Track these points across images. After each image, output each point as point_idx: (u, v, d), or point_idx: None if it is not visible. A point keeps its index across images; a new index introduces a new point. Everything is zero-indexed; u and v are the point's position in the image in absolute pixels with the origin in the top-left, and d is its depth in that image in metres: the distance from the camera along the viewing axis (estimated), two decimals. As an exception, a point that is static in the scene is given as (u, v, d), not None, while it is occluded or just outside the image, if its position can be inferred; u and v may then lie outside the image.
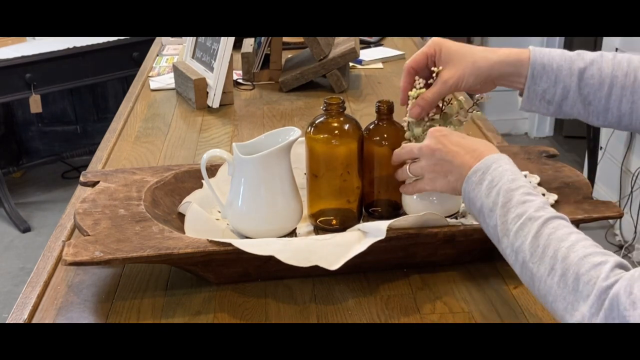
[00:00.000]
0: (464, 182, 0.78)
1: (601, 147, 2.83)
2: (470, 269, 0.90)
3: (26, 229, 2.90)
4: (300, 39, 1.89)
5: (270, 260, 0.80)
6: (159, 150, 1.30)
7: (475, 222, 0.91)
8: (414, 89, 0.90)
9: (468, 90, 0.90)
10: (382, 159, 0.93)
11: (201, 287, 0.87)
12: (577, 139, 3.45)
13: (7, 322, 0.81)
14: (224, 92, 1.50)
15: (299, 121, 1.43)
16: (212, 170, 1.03)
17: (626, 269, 0.62)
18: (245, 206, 0.90)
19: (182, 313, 0.83)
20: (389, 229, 0.83)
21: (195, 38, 1.66)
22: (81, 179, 1.01)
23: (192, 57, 1.65)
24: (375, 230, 0.84)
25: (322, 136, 0.92)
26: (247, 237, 0.90)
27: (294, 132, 0.90)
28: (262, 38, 1.71)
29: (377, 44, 1.99)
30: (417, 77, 0.90)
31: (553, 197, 0.94)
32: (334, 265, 0.81)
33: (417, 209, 0.91)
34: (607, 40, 2.75)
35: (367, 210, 0.98)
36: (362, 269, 0.89)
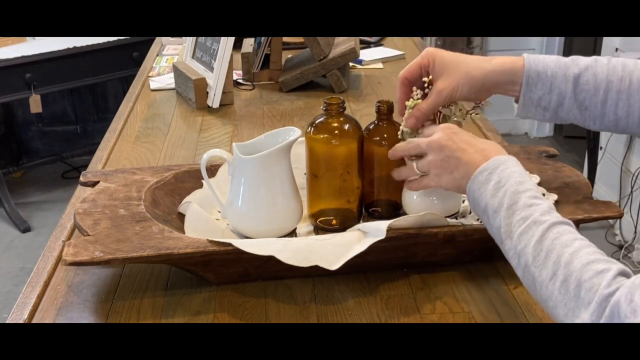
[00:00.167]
0: (469, 180, 0.78)
1: (601, 147, 2.83)
2: (470, 269, 0.90)
3: (26, 229, 2.91)
4: (300, 39, 1.89)
5: (270, 260, 0.80)
6: (159, 150, 1.30)
7: (475, 223, 0.91)
8: (411, 99, 0.90)
9: (463, 100, 0.90)
10: (382, 159, 0.93)
11: (201, 287, 0.87)
12: (577, 139, 3.45)
13: (7, 322, 0.81)
14: (224, 92, 1.50)
15: (299, 121, 1.43)
16: (212, 170, 1.03)
17: (628, 276, 0.62)
18: (245, 206, 0.90)
19: (182, 313, 0.83)
20: (389, 229, 0.83)
21: (195, 38, 1.66)
22: (81, 179, 1.01)
23: (192, 57, 1.65)
24: (375, 230, 0.84)
25: (322, 136, 0.92)
26: (247, 237, 0.90)
27: (294, 132, 0.90)
28: (262, 38, 1.71)
29: (377, 44, 1.99)
30: (414, 88, 0.90)
31: (553, 197, 0.94)
32: (334, 265, 0.81)
33: (417, 209, 0.91)
34: (607, 40, 2.75)
35: (367, 210, 0.98)
36: (362, 269, 0.89)
